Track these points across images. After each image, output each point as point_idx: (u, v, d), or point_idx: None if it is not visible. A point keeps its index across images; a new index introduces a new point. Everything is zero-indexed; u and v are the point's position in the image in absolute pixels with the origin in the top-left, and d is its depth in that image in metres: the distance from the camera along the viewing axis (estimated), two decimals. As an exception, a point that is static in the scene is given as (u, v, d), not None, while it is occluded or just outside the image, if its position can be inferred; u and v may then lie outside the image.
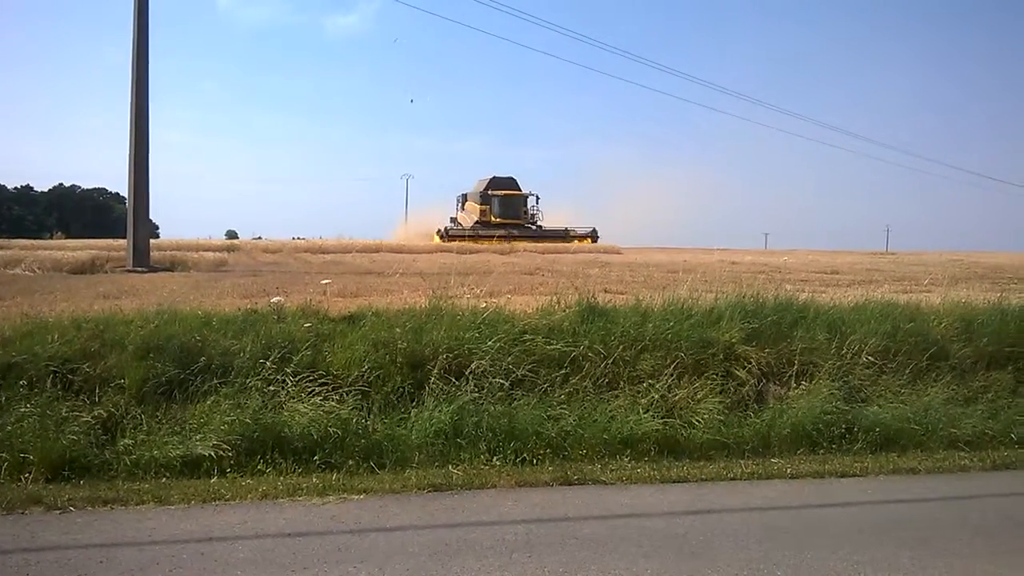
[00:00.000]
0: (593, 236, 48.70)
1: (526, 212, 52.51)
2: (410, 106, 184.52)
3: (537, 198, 53.28)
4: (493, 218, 50.98)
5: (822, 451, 7.41)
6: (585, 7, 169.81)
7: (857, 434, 7.58)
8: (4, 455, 6.12)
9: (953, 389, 8.44)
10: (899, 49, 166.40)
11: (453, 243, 42.55)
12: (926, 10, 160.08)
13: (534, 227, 51.59)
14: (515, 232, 48.14)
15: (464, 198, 56.73)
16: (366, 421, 7.06)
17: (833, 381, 8.12)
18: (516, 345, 7.98)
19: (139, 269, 20.04)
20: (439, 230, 49.68)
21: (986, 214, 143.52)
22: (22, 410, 6.49)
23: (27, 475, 6.05)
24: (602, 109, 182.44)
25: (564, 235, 48.70)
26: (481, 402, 7.31)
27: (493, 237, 44.88)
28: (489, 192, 52.01)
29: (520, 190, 53.27)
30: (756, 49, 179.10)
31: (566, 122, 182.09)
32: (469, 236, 46.06)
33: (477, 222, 50.98)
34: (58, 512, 5.44)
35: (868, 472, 6.92)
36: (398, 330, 8.03)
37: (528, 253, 34.92)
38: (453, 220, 55.63)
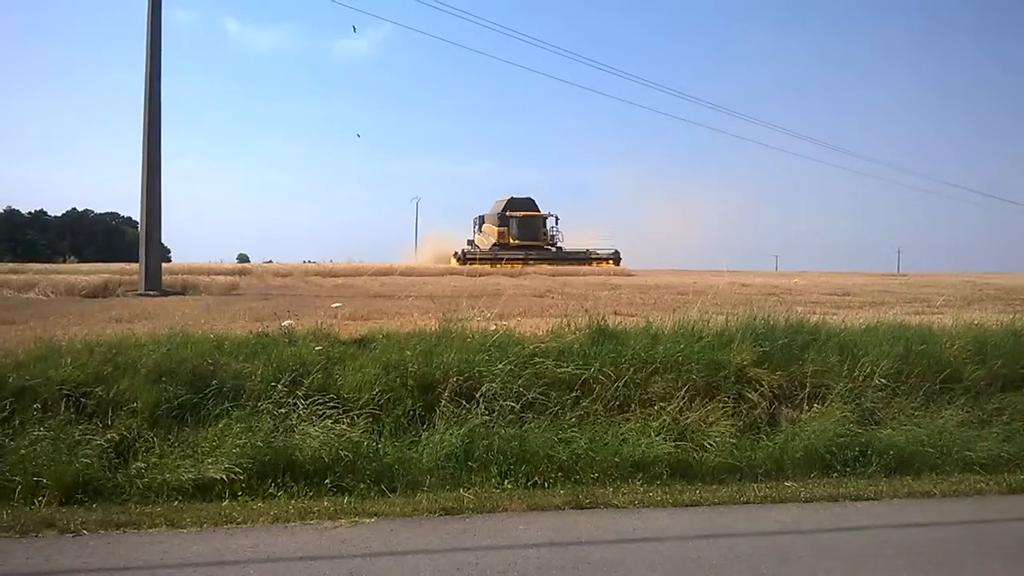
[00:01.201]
0: (615, 258, 47.21)
1: (545, 234, 51.31)
2: (419, 129, 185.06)
3: (556, 219, 52.08)
4: (512, 240, 49.77)
5: (836, 474, 7.35)
6: (588, 30, 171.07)
7: (871, 457, 7.52)
8: (18, 478, 6.14)
9: (967, 412, 8.37)
10: (909, 70, 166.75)
11: (465, 266, 41.84)
12: (934, 32, 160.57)
13: (554, 249, 50.32)
14: (534, 254, 47.09)
15: (481, 220, 55.67)
16: (377, 444, 7.06)
17: (846, 404, 8.07)
18: (526, 368, 7.98)
19: (151, 293, 20.14)
20: (456, 253, 48.37)
21: (998, 235, 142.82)
22: (36, 433, 6.52)
23: (40, 498, 6.08)
24: (608, 131, 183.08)
25: (585, 257, 47.38)
26: (492, 425, 7.30)
27: (512, 260, 44.03)
28: (507, 213, 50.84)
29: (539, 211, 52.03)
30: (764, 69, 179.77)
31: (572, 145, 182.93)
32: (488, 259, 44.97)
33: (495, 244, 49.73)
34: (71, 535, 5.45)
35: (883, 495, 6.85)
36: (408, 353, 8.04)
37: (538, 276, 34.85)
38: (470, 243, 54.60)
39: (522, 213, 50.96)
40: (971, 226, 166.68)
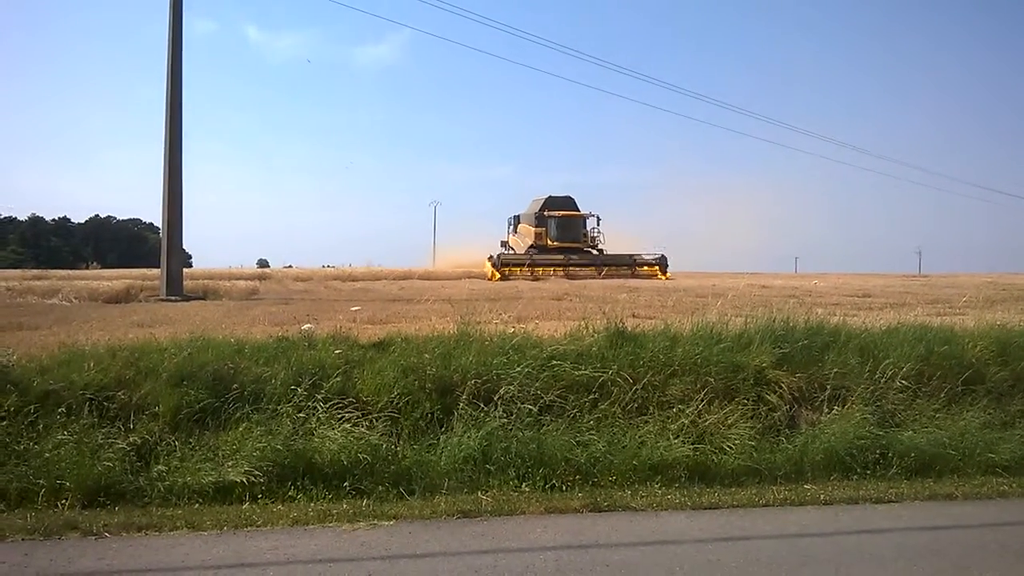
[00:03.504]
0: (662, 264, 42.48)
1: (586, 235, 46.45)
2: (441, 133, 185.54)
3: (598, 219, 47.21)
4: (550, 242, 45.16)
5: (856, 477, 7.29)
6: (612, 33, 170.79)
7: (892, 459, 7.46)
8: (42, 481, 6.23)
9: (990, 413, 8.27)
10: (930, 70, 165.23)
11: (503, 270, 38.89)
12: (958, 30, 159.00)
13: (594, 251, 45.71)
14: (575, 257, 42.89)
15: (516, 220, 50.95)
16: (396, 447, 7.09)
17: (866, 406, 8.01)
18: (544, 370, 7.98)
19: (173, 298, 20.33)
20: (491, 257, 43.08)
21: (1021, 236, 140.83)
22: (59, 437, 6.61)
23: (64, 501, 6.16)
24: (625, 134, 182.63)
25: (630, 262, 42.92)
26: (510, 428, 7.30)
27: (552, 264, 40.82)
28: (545, 213, 46.06)
29: (579, 210, 47.32)
30: (780, 69, 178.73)
31: (589, 147, 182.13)
32: (526, 263, 40.92)
33: (532, 246, 45.35)
34: (93, 538, 5.52)
35: (904, 498, 6.79)
36: (427, 356, 8.07)
37: (556, 279, 34.68)
38: (504, 244, 50.85)
39: (561, 213, 46.28)
40: (993, 226, 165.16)
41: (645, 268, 42.10)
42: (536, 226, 46.33)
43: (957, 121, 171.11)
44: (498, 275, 38.52)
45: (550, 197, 47.70)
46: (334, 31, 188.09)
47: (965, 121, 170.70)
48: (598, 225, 47.08)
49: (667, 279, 38.15)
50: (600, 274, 38.46)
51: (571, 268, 40.13)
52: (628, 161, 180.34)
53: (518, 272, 39.00)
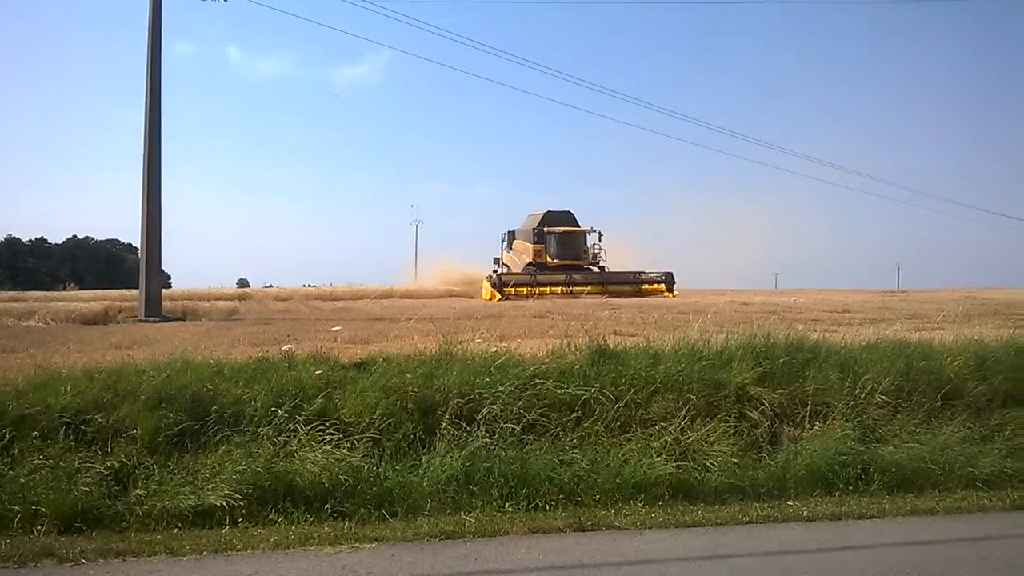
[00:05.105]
0: (668, 281, 40.82)
1: (587, 252, 44.57)
2: (422, 152, 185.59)
3: (599, 235, 45.02)
4: (549, 259, 43.21)
5: (838, 492, 7.31)
6: (588, 51, 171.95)
7: (873, 475, 7.49)
8: (16, 507, 6.12)
9: (969, 428, 8.33)
10: (908, 86, 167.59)
11: (504, 290, 37.42)
12: (933, 48, 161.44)
13: (596, 269, 44.10)
14: (577, 276, 41.04)
15: (511, 236, 48.83)
16: (377, 468, 7.03)
17: (847, 421, 8.05)
18: (527, 389, 7.95)
19: (151, 319, 20.23)
20: (490, 276, 41.10)
21: (998, 251, 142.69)
22: (35, 462, 6.50)
23: (39, 527, 6.05)
24: (603, 153, 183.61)
25: (634, 280, 41.09)
26: (493, 448, 7.27)
27: (553, 284, 39.20)
28: (545, 229, 44.03)
29: (579, 225, 45.35)
30: (757, 85, 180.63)
31: (571, 167, 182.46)
32: (527, 284, 38.93)
33: (531, 263, 43.57)
34: (70, 565, 5.42)
35: (885, 513, 6.82)
36: (409, 376, 8.03)
37: (558, 298, 34.21)
38: (497, 261, 49.36)
39: (562, 229, 44.21)
40: (971, 241, 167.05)
41: (650, 286, 40.65)
42: (535, 242, 44.28)
43: (938, 138, 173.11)
44: (499, 296, 37.03)
45: (549, 212, 45.75)
46: (313, 52, 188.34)
47: (946, 138, 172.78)
48: (599, 241, 45.14)
49: (674, 296, 37.24)
50: (605, 293, 37.16)
51: (574, 287, 38.53)
52: (607, 180, 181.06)
53: (522, 292, 37.44)
